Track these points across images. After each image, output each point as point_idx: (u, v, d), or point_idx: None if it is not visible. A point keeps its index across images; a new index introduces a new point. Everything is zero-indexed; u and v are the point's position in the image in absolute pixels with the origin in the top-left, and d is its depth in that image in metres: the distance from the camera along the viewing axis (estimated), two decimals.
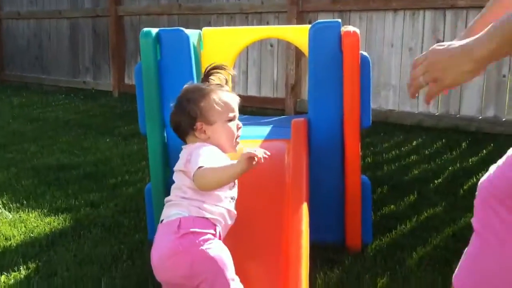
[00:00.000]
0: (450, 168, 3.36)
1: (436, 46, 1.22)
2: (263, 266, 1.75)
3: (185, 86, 1.77)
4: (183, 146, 1.73)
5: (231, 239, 1.79)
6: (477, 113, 4.27)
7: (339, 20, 2.19)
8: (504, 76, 4.10)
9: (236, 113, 1.73)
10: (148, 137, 2.21)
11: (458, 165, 3.44)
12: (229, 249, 1.62)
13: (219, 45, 2.61)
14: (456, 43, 1.20)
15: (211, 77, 1.77)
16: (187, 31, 2.22)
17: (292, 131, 2.10)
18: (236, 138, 1.73)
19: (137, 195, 2.94)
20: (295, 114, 2.27)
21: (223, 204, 1.64)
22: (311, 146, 2.16)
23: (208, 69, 1.78)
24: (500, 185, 1.32)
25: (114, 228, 2.51)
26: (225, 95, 1.72)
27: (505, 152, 3.46)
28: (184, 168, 1.62)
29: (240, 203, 1.78)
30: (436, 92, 1.24)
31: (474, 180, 3.12)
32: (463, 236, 2.35)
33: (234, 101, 1.73)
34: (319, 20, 2.30)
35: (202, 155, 1.60)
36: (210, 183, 1.58)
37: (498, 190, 1.33)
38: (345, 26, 2.14)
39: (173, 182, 1.95)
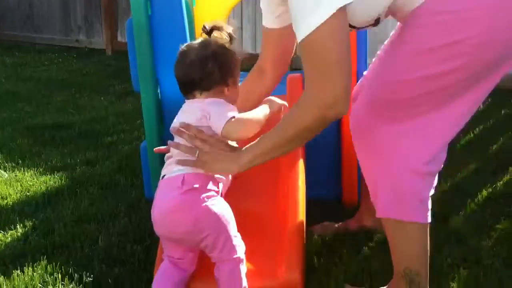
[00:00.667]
0: None
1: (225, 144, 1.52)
2: (261, 223, 1.75)
3: (208, 39, 1.67)
4: (187, 101, 1.67)
5: (228, 195, 1.80)
6: None
7: None
8: None
9: None
10: (141, 94, 2.17)
11: None
12: None
13: (211, 0, 2.54)
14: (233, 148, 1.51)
15: (214, 34, 1.70)
16: None
17: (287, 86, 2.07)
18: None
19: (133, 153, 2.93)
20: (291, 70, 2.24)
21: None
22: None
23: (210, 26, 1.71)
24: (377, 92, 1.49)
25: (111, 186, 2.51)
26: (236, 57, 1.69)
27: (502, 106, 3.48)
28: (198, 123, 1.56)
29: None
30: (196, 166, 1.49)
31: (471, 135, 3.12)
32: (460, 190, 2.36)
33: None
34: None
35: (225, 106, 1.57)
36: (251, 127, 1.56)
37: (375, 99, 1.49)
38: None
39: (168, 138, 1.92)
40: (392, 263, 1.60)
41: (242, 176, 1.79)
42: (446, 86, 1.43)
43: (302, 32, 1.32)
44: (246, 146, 1.49)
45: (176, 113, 1.98)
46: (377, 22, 1.52)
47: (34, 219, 2.20)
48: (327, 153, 2.22)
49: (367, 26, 1.55)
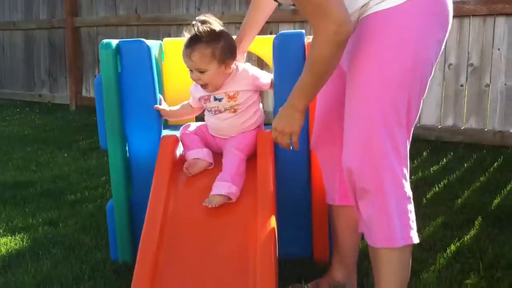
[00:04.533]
0: (412, 177, 3.40)
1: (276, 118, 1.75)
2: (231, 280, 1.71)
3: None
4: None
5: (197, 249, 1.76)
6: (436, 122, 4.34)
7: (303, 30, 2.19)
8: (461, 85, 4.19)
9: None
10: (109, 152, 2.13)
11: (420, 174, 3.48)
12: (195, 260, 1.70)
13: (180, 56, 2.55)
14: (285, 106, 1.71)
15: None
16: (148, 42, 2.17)
17: (258, 143, 2.07)
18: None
19: (98, 212, 2.85)
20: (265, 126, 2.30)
21: None
22: (277, 157, 2.13)
23: None
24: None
25: (75, 247, 2.42)
26: None
27: (465, 161, 3.58)
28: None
29: (207, 211, 1.86)
30: (296, 140, 1.74)
31: (436, 189, 3.17)
32: (429, 245, 2.36)
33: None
34: (282, 31, 2.29)
35: None
36: None
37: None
38: (308, 36, 2.14)
39: (135, 197, 1.86)
40: None
41: (212, 230, 1.83)
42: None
43: None
44: (292, 96, 1.69)
45: (145, 171, 1.97)
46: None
47: None
48: (298, 210, 2.20)
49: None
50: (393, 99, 1.59)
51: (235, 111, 2.05)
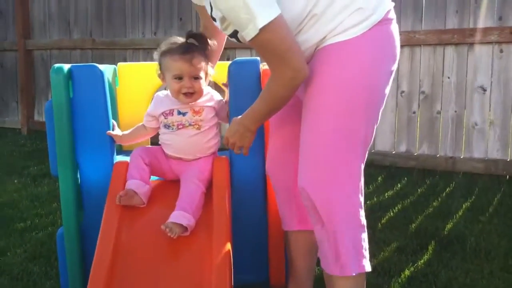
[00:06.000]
0: (367, 202, 3.43)
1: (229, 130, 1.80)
2: None
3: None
4: None
5: (150, 278, 1.72)
6: (390, 148, 4.42)
7: (258, 58, 2.20)
8: (414, 112, 4.30)
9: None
10: (59, 179, 2.07)
11: (375, 199, 3.52)
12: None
13: (135, 81, 2.53)
14: (238, 122, 1.76)
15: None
16: (101, 67, 2.14)
17: (213, 170, 2.05)
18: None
19: (48, 240, 2.75)
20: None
21: None
22: (233, 183, 2.12)
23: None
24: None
25: (23, 277, 2.33)
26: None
27: (418, 186, 3.66)
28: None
29: (160, 240, 1.79)
30: (246, 151, 1.82)
31: (391, 214, 3.21)
32: (383, 270, 2.38)
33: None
34: (238, 57, 2.30)
35: None
36: None
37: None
38: (263, 63, 2.15)
39: (86, 225, 1.80)
40: None
41: (167, 256, 1.79)
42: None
43: (251, 33, 1.53)
44: (244, 116, 1.74)
45: (97, 198, 1.91)
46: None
47: None
48: (254, 235, 2.19)
49: None
50: (349, 128, 1.61)
51: (199, 127, 2.04)
